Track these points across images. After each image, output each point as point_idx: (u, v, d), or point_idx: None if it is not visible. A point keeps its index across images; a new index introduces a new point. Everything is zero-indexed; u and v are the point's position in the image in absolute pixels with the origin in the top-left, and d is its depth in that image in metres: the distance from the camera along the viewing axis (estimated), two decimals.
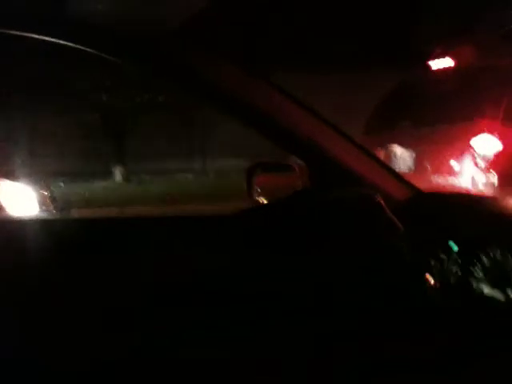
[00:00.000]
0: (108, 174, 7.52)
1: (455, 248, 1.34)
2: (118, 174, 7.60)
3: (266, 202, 1.55)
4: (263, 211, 1.51)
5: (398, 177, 1.53)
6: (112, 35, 1.40)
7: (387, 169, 1.53)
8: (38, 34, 1.41)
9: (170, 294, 1.33)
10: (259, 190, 1.54)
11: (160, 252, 1.42)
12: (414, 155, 5.08)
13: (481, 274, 1.30)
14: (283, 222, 1.41)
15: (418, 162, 5.02)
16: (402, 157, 5.13)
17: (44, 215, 2.15)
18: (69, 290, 1.30)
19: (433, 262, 1.34)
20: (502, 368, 1.17)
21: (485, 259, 1.30)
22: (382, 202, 1.35)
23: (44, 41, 1.39)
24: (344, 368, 1.20)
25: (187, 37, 1.46)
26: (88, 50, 1.40)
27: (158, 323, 1.28)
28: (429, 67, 5.13)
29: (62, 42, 1.40)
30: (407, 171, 4.84)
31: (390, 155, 5.09)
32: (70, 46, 1.40)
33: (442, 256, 1.34)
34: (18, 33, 1.40)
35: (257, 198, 1.55)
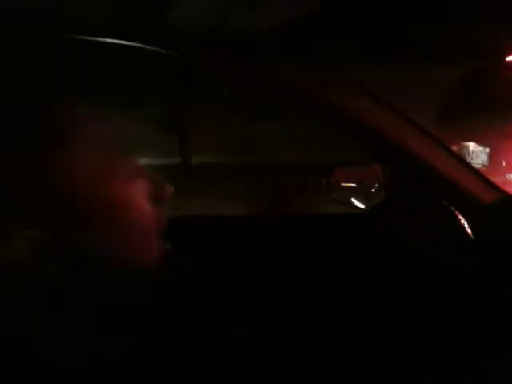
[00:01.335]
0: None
1: None
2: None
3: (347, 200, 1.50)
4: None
5: (483, 179, 1.47)
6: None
7: (473, 170, 1.48)
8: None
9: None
10: (337, 188, 1.51)
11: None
12: (488, 151, 4.95)
13: None
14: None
15: (493, 158, 4.89)
16: (475, 152, 4.98)
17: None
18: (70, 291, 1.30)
19: None
20: (502, 368, 1.17)
21: None
22: (456, 212, 1.33)
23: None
24: (344, 368, 1.20)
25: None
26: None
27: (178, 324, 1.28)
28: (504, 60, 4.98)
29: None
30: (481, 167, 4.70)
31: (463, 150, 4.94)
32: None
33: None
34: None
35: (334, 196, 1.51)
